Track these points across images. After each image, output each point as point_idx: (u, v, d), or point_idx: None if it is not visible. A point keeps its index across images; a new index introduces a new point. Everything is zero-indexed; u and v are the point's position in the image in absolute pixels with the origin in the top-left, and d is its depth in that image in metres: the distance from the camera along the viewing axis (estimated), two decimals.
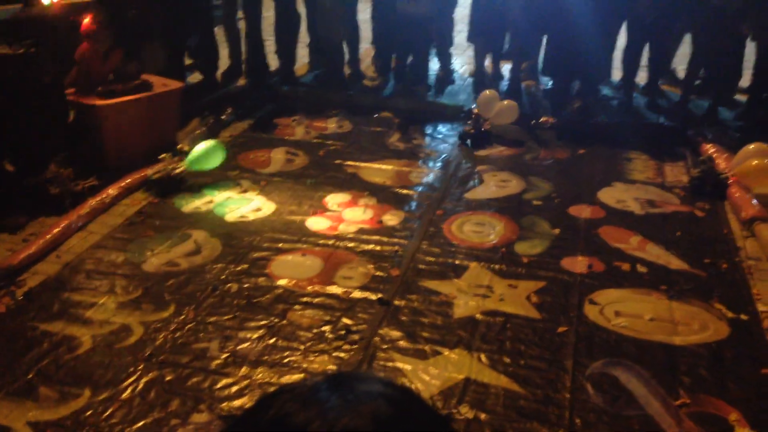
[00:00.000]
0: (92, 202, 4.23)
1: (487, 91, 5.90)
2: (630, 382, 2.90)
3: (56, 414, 2.65)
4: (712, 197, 4.53)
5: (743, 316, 3.33)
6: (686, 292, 3.52)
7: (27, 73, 4.18)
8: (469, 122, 5.64)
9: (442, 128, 5.86)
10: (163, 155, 4.75)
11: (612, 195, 4.64)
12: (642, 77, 6.49)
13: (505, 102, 5.77)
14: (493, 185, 4.81)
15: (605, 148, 5.43)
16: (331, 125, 5.93)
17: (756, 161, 4.52)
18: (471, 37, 6.67)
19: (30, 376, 2.84)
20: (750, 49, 5.98)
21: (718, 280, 3.64)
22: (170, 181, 4.52)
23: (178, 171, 4.51)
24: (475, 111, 5.73)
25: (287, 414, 0.70)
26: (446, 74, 6.95)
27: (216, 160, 4.76)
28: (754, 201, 4.27)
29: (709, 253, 3.89)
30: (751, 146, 4.66)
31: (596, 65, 6.32)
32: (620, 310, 3.39)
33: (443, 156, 5.31)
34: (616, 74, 6.77)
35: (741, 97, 6.21)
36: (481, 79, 6.78)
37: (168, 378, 2.86)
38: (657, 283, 3.60)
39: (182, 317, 3.27)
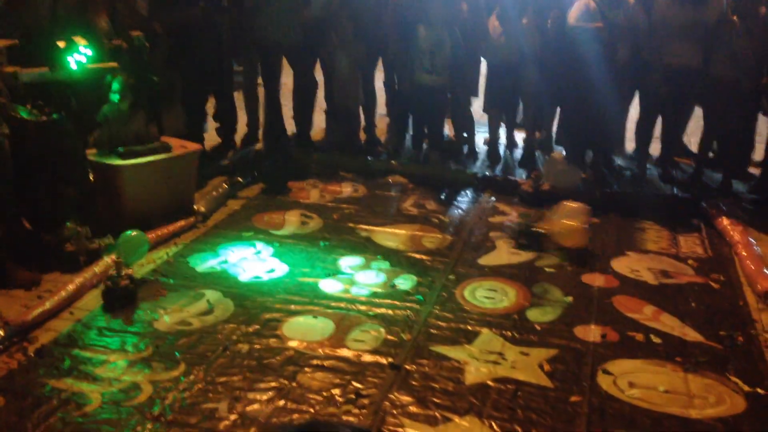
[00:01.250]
0: (108, 259, 4.26)
1: (555, 153, 6.15)
2: None
3: None
4: (531, 249, 4.78)
5: (760, 390, 3.27)
6: (702, 365, 3.47)
7: (50, 138, 4.28)
8: (529, 180, 5.89)
9: (455, 194, 5.92)
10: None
11: (626, 264, 4.63)
12: (655, 148, 6.55)
13: (570, 166, 5.96)
14: (505, 251, 4.81)
15: (619, 217, 5.44)
16: (346, 189, 6.00)
17: (565, 221, 4.83)
18: (486, 107, 6.78)
19: None
20: (762, 123, 6.04)
21: (734, 353, 3.58)
22: (120, 293, 3.90)
23: (123, 283, 3.89)
24: (535, 172, 5.97)
25: None
26: (460, 143, 7.03)
27: (140, 252, 4.31)
28: None
29: (725, 325, 3.85)
30: (565, 204, 4.99)
31: (610, 136, 6.40)
32: (634, 381, 3.34)
33: (456, 222, 5.34)
34: (630, 145, 6.84)
35: (754, 171, 6.24)
36: (496, 148, 6.86)
37: None
38: (672, 355, 3.56)
39: (192, 377, 3.25)
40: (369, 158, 6.64)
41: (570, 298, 4.13)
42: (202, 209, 5.21)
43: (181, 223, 4.95)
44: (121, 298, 3.87)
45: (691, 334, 3.75)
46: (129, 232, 4.26)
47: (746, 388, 3.29)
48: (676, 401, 3.19)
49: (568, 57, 5.91)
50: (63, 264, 4.23)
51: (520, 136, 7.00)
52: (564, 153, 6.38)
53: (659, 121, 6.28)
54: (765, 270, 4.33)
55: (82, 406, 3.00)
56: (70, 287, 3.93)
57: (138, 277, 4.09)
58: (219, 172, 6.05)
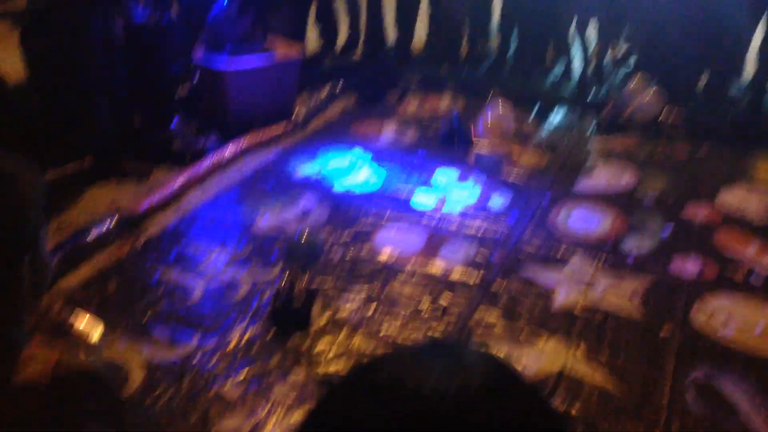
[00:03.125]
0: (212, 159, 4.42)
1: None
2: (734, 394, 2.80)
3: (167, 356, 2.82)
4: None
5: None
6: None
7: (161, 37, 4.38)
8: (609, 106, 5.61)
9: (556, 113, 5.75)
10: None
11: (733, 198, 4.42)
12: None
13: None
14: (605, 176, 4.69)
15: (730, 147, 5.17)
16: (444, 103, 5.92)
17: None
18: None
19: (146, 318, 3.04)
20: None
21: None
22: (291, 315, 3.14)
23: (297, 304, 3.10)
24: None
25: (398, 377, 0.70)
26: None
27: None
28: None
29: None
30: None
31: (729, 57, 6.00)
32: (730, 319, 3.25)
33: (554, 141, 5.21)
34: (750, 69, 6.40)
35: None
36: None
37: (270, 335, 2.99)
38: None
39: (286, 277, 3.39)
40: (471, 72, 6.49)
41: (670, 229, 4.01)
42: (302, 115, 5.28)
43: (281, 127, 5.04)
44: (293, 321, 3.07)
45: None
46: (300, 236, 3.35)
47: None
48: None
49: None
50: (170, 160, 4.41)
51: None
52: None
53: None
54: None
55: (186, 297, 3.20)
56: (177, 183, 4.11)
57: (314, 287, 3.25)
58: (319, 78, 6.07)
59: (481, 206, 4.20)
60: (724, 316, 3.28)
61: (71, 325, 1.63)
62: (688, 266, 3.65)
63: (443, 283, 3.43)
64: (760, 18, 5.85)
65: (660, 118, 5.55)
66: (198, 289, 3.27)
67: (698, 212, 4.22)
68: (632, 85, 5.54)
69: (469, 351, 0.76)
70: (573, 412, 2.67)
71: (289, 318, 3.08)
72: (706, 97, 5.95)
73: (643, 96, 5.45)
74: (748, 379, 2.87)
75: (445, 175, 4.56)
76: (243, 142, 4.70)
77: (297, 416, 2.56)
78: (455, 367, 0.72)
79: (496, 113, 5.24)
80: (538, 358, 2.96)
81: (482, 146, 5.00)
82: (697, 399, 2.76)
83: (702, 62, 5.93)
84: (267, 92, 5.09)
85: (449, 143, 4.96)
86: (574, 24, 6.33)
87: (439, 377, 0.70)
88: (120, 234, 3.63)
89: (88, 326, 1.68)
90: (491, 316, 3.20)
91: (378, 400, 0.70)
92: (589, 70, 6.31)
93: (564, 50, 6.72)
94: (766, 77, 6.02)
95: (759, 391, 2.80)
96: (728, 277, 3.58)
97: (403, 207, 4.14)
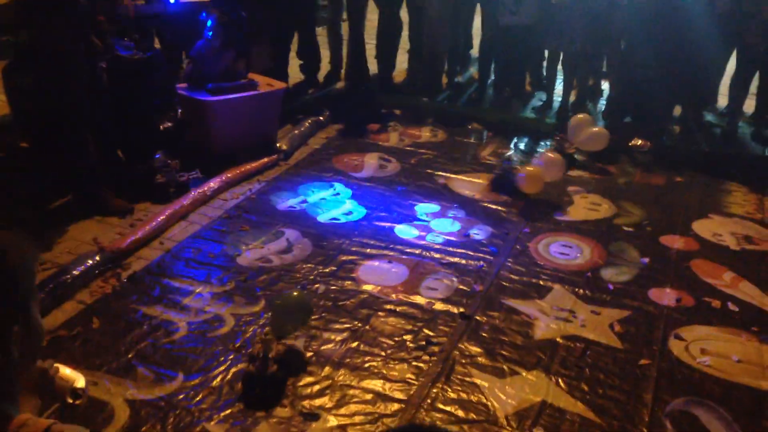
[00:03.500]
0: (195, 193, 4.45)
1: (580, 115, 5.65)
2: (711, 423, 2.85)
3: (152, 394, 2.83)
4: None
5: None
6: None
7: (145, 72, 4.43)
8: (553, 143, 5.65)
9: (534, 144, 5.85)
10: None
11: (707, 227, 4.52)
12: (749, 105, 6.27)
13: (596, 129, 5.52)
14: (583, 207, 4.77)
15: (704, 176, 5.29)
16: (426, 134, 6.01)
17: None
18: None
19: (130, 356, 3.05)
20: None
21: None
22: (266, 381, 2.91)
23: (271, 369, 2.89)
24: (560, 135, 5.66)
25: None
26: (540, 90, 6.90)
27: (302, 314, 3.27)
28: None
29: None
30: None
31: (702, 90, 6.16)
32: (707, 348, 3.32)
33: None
34: (722, 101, 6.57)
35: None
36: (582, 99, 6.70)
37: (254, 371, 3.00)
38: (748, 324, 3.51)
39: (271, 314, 3.41)
40: (449, 104, 6.60)
41: (647, 259, 4.09)
42: (285, 147, 5.34)
43: (265, 159, 5.10)
44: (267, 387, 2.88)
45: None
46: (289, 294, 3.36)
47: None
48: (748, 372, 3.17)
49: (666, 6, 5.67)
50: (154, 195, 4.43)
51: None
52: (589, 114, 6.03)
53: (756, 77, 6.00)
54: None
55: (170, 334, 3.21)
56: (160, 218, 4.13)
57: (285, 355, 2.97)
58: (301, 111, 6.14)
59: (463, 238, 4.26)
60: (702, 344, 3.34)
61: (53, 378, 1.64)
62: (665, 295, 3.73)
63: (426, 315, 3.47)
64: (732, 50, 6.03)
65: (633, 149, 5.68)
66: (182, 325, 3.28)
67: (674, 242, 4.31)
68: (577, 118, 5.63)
69: None
70: None
71: (264, 384, 2.86)
72: (681, 128, 6.09)
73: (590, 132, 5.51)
74: (725, 406, 2.92)
75: (426, 208, 4.62)
76: (226, 175, 4.74)
77: None
78: None
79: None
80: (520, 388, 3.00)
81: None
82: (676, 427, 2.81)
83: (676, 94, 6.07)
84: (250, 124, 5.15)
85: (499, 187, 4.97)
86: (552, 57, 6.47)
87: None
88: (103, 270, 3.64)
89: (71, 376, 1.69)
90: (474, 347, 3.25)
91: None
92: (570, 102, 6.44)
93: (542, 83, 6.88)
94: (739, 107, 6.18)
95: (736, 418, 2.86)
96: (705, 306, 3.65)
97: (385, 239, 4.19)
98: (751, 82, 6.06)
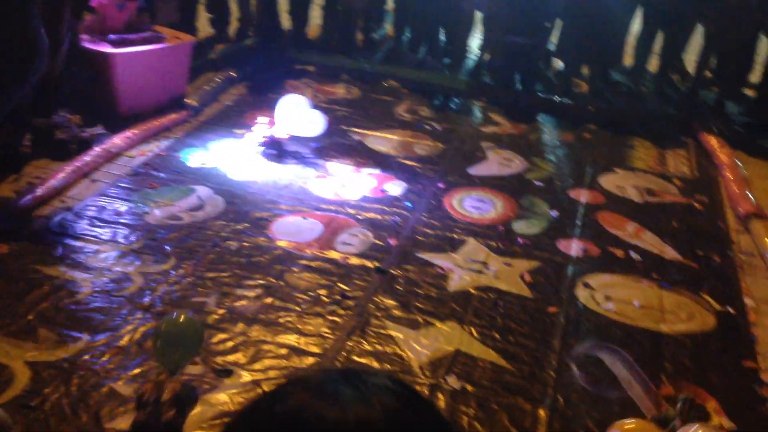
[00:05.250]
0: (99, 150, 4.26)
1: (293, 96, 4.87)
2: (614, 365, 2.97)
3: (54, 356, 2.71)
4: None
5: (730, 310, 3.40)
6: (677, 283, 3.59)
7: (45, 24, 4.16)
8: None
9: (449, 102, 5.88)
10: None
11: (612, 181, 4.68)
12: (653, 65, 6.49)
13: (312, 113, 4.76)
14: (496, 162, 4.85)
15: (610, 133, 5.46)
16: (340, 91, 5.94)
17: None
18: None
19: (30, 317, 2.90)
20: (763, 43, 5.97)
21: (710, 273, 3.70)
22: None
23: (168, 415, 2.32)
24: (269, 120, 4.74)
25: (302, 406, 0.73)
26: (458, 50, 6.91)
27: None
28: (751, 197, 4.32)
29: (703, 246, 3.94)
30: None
31: (609, 50, 6.32)
32: (611, 294, 3.46)
33: (447, 129, 5.33)
34: (628, 60, 6.76)
35: (750, 93, 6.21)
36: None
37: None
38: (649, 271, 3.66)
39: (181, 271, 3.33)
40: (365, 60, 6.52)
41: (556, 212, 4.19)
42: (195, 103, 5.17)
43: (173, 116, 4.92)
44: None
45: (670, 253, 3.85)
46: (174, 318, 2.65)
47: (717, 306, 3.41)
48: (649, 316, 3.32)
49: None
50: (54, 151, 4.21)
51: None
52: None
53: (660, 36, 6.20)
54: (747, 193, 4.40)
55: (73, 294, 3.08)
56: (60, 175, 3.94)
57: (183, 392, 2.47)
58: (211, 66, 5.95)
59: (378, 194, 4.26)
60: (607, 291, 3.48)
61: None
62: (573, 246, 3.84)
63: (341, 269, 3.46)
64: (636, 8, 6.19)
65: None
66: (86, 285, 3.15)
67: (582, 195, 4.43)
68: None
69: (374, 379, 0.78)
70: (468, 389, 2.76)
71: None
72: (589, 86, 6.25)
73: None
74: (627, 348, 3.05)
75: (341, 165, 4.58)
76: (132, 131, 4.55)
77: (196, 410, 2.52)
78: (363, 392, 0.75)
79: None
80: (435, 338, 3.04)
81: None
82: (581, 371, 2.92)
83: (583, 52, 6.21)
84: (157, 78, 4.94)
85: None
86: (467, 15, 6.48)
87: (342, 406, 0.73)
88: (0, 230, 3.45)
89: None
90: (390, 300, 3.26)
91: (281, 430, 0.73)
92: (483, 60, 6.48)
93: (457, 41, 6.88)
94: (644, 66, 6.39)
95: (638, 360, 2.99)
96: (610, 255, 3.79)
97: (299, 195, 4.14)
98: (654, 42, 6.26)
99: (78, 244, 3.46)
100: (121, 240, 3.53)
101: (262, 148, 4.59)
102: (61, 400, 2.50)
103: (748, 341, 3.20)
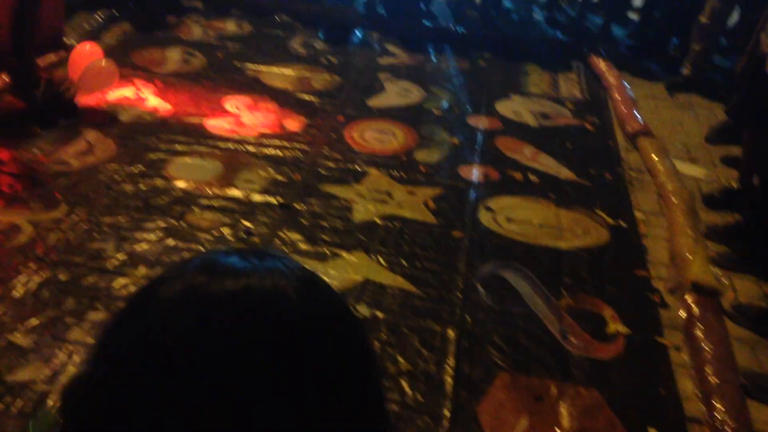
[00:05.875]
0: None
1: (87, 45, 4.39)
2: (517, 282, 3.08)
3: None
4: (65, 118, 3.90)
5: (622, 223, 3.57)
6: (572, 201, 3.73)
7: None
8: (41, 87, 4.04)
9: (344, 34, 5.78)
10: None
11: (509, 107, 4.77)
12: None
13: (101, 62, 4.27)
14: (394, 93, 4.83)
15: (504, 60, 5.53)
16: (231, 26, 5.73)
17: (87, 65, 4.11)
18: None
19: None
20: None
21: (602, 190, 3.86)
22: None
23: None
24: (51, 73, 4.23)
25: (195, 285, 0.63)
26: None
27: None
28: (638, 116, 4.52)
29: (595, 164, 4.10)
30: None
31: None
32: (512, 216, 3.56)
33: (344, 62, 5.26)
34: None
35: (634, 16, 6.42)
36: None
37: (62, 277, 2.80)
38: (546, 192, 3.79)
39: (75, 217, 3.17)
40: None
41: (456, 140, 4.25)
42: (74, 42, 4.85)
43: (52, 56, 4.60)
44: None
45: (565, 173, 3.99)
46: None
47: (610, 221, 3.58)
48: (548, 234, 3.44)
49: None
50: None
51: None
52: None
53: None
54: (635, 112, 4.59)
55: None
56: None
57: None
58: (90, 3, 5.58)
59: (278, 130, 4.17)
60: (508, 213, 3.57)
61: None
62: (473, 172, 3.91)
63: (244, 207, 3.40)
64: None
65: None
66: None
67: (480, 122, 4.50)
68: None
69: (275, 254, 0.69)
70: (378, 315, 2.80)
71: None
72: (481, 15, 6.28)
73: None
74: (529, 267, 3.17)
75: (237, 101, 4.45)
76: (4, 75, 4.23)
77: None
78: (270, 265, 0.66)
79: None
80: (343, 269, 3.05)
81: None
82: (487, 291, 3.01)
83: None
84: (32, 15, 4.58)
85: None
86: None
87: (257, 276, 0.63)
88: None
89: None
90: (295, 234, 3.24)
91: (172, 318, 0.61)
92: None
93: None
94: None
95: (539, 276, 3.11)
96: (509, 179, 3.88)
97: (195, 134, 4.00)
98: None
99: None
100: (5, 188, 3.32)
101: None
102: None
103: (639, 252, 3.38)
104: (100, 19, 5.33)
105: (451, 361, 2.63)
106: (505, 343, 2.74)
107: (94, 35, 5.11)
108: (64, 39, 4.80)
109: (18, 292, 2.70)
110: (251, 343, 0.60)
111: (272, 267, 0.66)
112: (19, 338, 2.48)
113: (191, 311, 0.61)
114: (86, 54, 4.25)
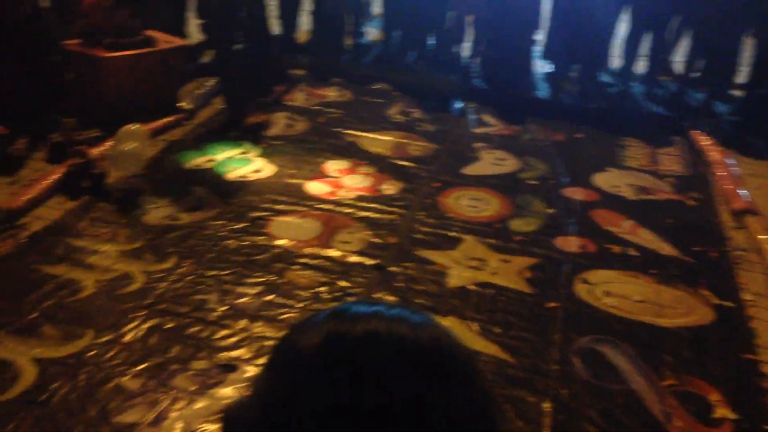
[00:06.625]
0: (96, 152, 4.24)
1: (132, 126, 4.25)
2: (616, 358, 3.00)
3: (60, 352, 2.70)
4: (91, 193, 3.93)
5: (728, 304, 3.44)
6: (674, 278, 3.62)
7: (36, 32, 4.17)
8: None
9: (440, 104, 5.91)
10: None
11: (606, 180, 4.72)
12: (641, 66, 6.56)
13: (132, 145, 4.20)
14: (489, 162, 4.88)
15: (602, 133, 5.51)
16: (332, 93, 5.96)
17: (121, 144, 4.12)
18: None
19: (34, 315, 2.89)
20: (749, 44, 6.06)
21: (706, 268, 3.73)
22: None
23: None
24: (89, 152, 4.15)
25: (376, 329, 0.70)
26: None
27: None
28: (744, 193, 4.38)
29: (699, 242, 3.98)
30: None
31: (596, 51, 6.39)
32: (610, 290, 3.48)
33: (441, 131, 5.36)
34: (615, 62, 6.83)
35: (737, 93, 6.29)
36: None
37: (168, 326, 2.92)
38: (647, 267, 3.69)
39: (182, 269, 3.32)
40: (355, 63, 6.55)
41: (551, 210, 4.23)
42: (188, 106, 5.16)
43: (167, 119, 4.91)
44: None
45: (666, 249, 3.89)
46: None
47: (715, 300, 3.45)
48: (648, 310, 3.34)
49: None
50: (50, 153, 4.20)
51: None
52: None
53: (647, 38, 6.28)
54: (739, 190, 4.46)
55: (76, 292, 3.07)
56: (56, 176, 3.92)
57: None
58: (203, 70, 5.94)
59: (374, 193, 4.27)
60: (605, 287, 3.50)
61: None
62: (569, 243, 3.87)
63: (341, 267, 3.47)
64: (623, 9, 6.27)
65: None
66: (89, 283, 3.14)
67: (576, 193, 4.47)
68: None
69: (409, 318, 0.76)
70: None
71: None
72: (578, 87, 6.31)
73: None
74: (628, 342, 3.08)
75: (336, 164, 4.60)
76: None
77: (201, 404, 2.52)
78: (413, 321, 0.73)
79: None
80: None
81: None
82: (584, 364, 2.94)
83: (570, 53, 6.28)
84: (148, 81, 4.93)
85: None
86: (456, 19, 6.53)
87: (410, 327, 0.71)
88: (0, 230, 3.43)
89: None
90: (389, 296, 3.27)
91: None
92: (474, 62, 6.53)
93: (446, 42, 6.92)
94: (631, 67, 6.46)
95: (638, 352, 3.02)
96: (607, 252, 3.82)
97: (296, 195, 4.15)
98: (641, 43, 6.33)
99: (79, 244, 3.44)
100: (121, 240, 3.52)
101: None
102: (68, 396, 2.49)
103: (747, 335, 3.23)
104: (211, 86, 5.64)
105: None
106: (603, 420, 2.66)
107: (206, 100, 5.42)
108: (180, 103, 5.11)
109: (128, 337, 2.83)
110: (396, 384, 0.66)
111: (401, 314, 0.74)
112: (127, 382, 2.59)
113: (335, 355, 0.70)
114: (128, 134, 4.22)
